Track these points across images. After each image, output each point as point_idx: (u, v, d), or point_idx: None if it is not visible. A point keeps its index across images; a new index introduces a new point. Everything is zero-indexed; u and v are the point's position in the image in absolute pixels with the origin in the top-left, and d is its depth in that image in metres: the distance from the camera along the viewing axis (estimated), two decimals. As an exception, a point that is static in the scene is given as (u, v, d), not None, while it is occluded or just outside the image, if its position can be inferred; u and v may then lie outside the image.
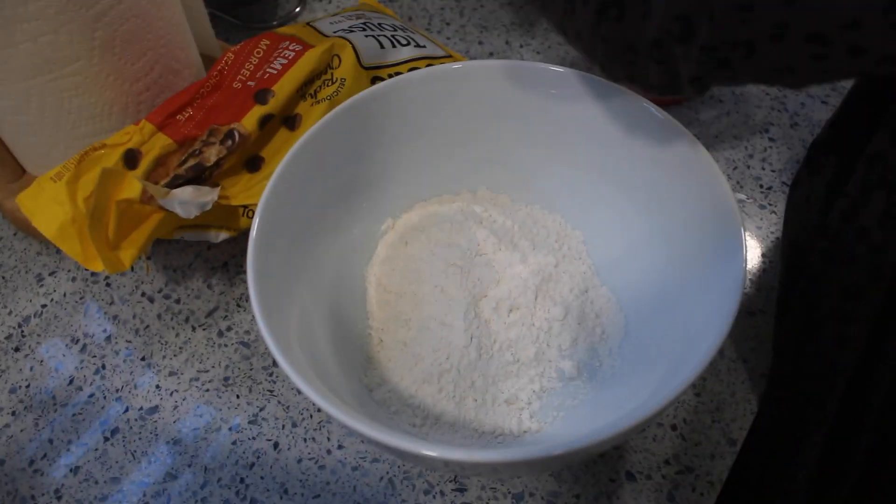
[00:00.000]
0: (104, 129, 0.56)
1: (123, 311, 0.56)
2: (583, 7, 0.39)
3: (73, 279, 0.58)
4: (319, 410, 0.50)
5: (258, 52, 0.56)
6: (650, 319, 0.48)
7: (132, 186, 0.47)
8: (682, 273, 0.46)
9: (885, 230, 0.39)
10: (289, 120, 0.54)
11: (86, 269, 0.58)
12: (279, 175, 0.44)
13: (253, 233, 0.42)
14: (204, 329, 0.54)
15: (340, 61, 0.55)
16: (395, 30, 0.60)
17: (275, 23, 0.76)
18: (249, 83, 0.55)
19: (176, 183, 0.49)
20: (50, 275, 0.59)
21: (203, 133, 0.53)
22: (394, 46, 0.58)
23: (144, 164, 0.52)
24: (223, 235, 0.53)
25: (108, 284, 0.58)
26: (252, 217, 0.42)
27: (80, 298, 0.57)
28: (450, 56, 0.61)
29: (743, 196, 0.61)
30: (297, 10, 0.77)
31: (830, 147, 0.48)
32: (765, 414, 0.45)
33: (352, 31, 0.58)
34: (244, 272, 0.57)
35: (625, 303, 0.51)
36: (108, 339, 0.55)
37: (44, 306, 0.57)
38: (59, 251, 0.60)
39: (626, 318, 0.50)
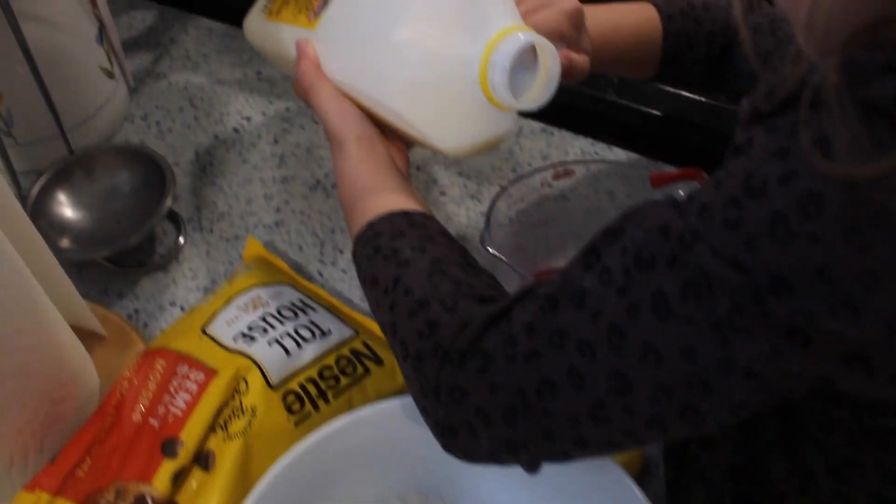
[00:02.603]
0: (-9, 491, 0.51)
1: None
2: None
3: None
4: None
5: (155, 377, 0.53)
6: None
7: None
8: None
9: None
10: (201, 458, 0.51)
11: None
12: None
13: None
14: None
15: (248, 386, 0.52)
16: (296, 313, 0.58)
17: (155, 262, 0.71)
18: (151, 420, 0.51)
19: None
20: None
21: (108, 487, 0.49)
22: (299, 347, 0.56)
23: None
24: None
25: None
26: None
27: None
28: (356, 334, 0.59)
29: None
30: (181, 240, 0.72)
31: None
32: None
33: (253, 340, 0.55)
34: None
35: None
36: None
37: None
38: None
39: None
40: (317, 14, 0.53)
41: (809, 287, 0.29)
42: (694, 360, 0.33)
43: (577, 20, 0.55)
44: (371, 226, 0.48)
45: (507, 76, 0.47)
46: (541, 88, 0.49)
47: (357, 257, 0.48)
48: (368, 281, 0.47)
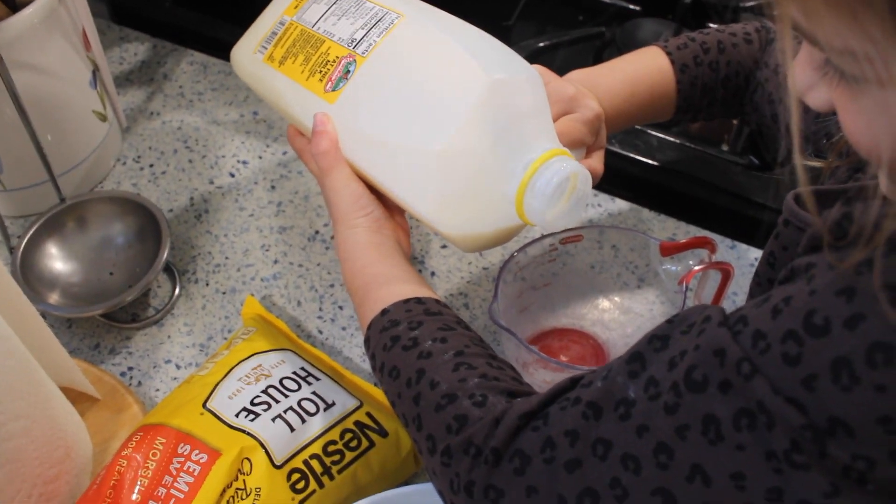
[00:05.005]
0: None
1: None
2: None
3: None
4: None
5: (154, 455, 0.51)
6: None
7: None
8: None
9: None
10: (202, 544, 0.49)
11: None
12: None
13: None
14: None
15: (252, 466, 0.51)
16: (299, 384, 0.56)
17: (150, 315, 0.69)
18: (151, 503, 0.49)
19: None
20: None
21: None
22: (303, 421, 0.54)
23: None
24: None
25: None
26: None
27: None
28: (360, 405, 0.57)
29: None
30: (176, 291, 0.71)
31: None
32: None
33: (257, 416, 0.53)
34: None
35: None
36: None
37: None
38: None
39: None
40: (335, 86, 0.51)
41: (871, 434, 0.29)
42: (742, 485, 0.32)
43: (597, 127, 0.56)
44: (385, 312, 0.47)
45: (548, 202, 0.46)
46: (571, 211, 0.49)
47: (371, 344, 0.47)
48: (387, 371, 0.46)
